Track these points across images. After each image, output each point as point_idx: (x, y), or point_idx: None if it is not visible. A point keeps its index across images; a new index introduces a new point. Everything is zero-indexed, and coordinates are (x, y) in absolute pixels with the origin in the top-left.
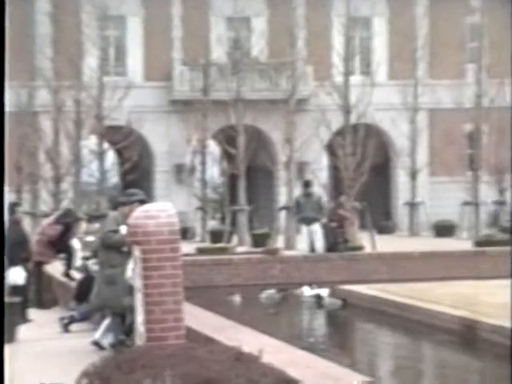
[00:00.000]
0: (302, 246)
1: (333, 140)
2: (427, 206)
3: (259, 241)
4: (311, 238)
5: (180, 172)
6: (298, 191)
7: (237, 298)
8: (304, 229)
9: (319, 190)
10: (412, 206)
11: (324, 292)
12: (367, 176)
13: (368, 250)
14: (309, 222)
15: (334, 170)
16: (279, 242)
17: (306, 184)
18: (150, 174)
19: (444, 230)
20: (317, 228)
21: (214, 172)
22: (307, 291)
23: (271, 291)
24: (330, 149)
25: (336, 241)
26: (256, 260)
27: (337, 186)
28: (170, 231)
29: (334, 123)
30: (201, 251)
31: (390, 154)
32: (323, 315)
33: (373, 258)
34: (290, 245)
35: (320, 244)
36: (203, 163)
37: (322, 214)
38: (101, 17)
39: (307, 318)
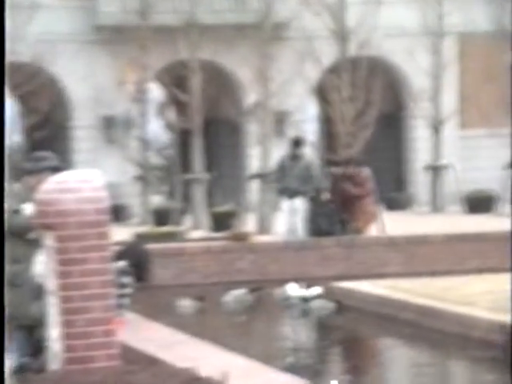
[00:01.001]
0: (281, 229)
1: (324, 80)
2: (456, 170)
3: (222, 222)
4: (296, 216)
5: (110, 127)
6: (277, 152)
7: (190, 303)
8: (285, 204)
9: (307, 152)
10: (435, 170)
11: (313, 292)
12: (372, 130)
13: (374, 232)
14: (292, 194)
15: (326, 122)
16: (250, 223)
17: (296, 142)
18: (66, 131)
19: (480, 203)
20: (299, 204)
21: (157, 127)
22: (291, 290)
23: (239, 292)
24: (320, 92)
25: (331, 225)
26: (218, 249)
27: (329, 144)
28: (97, 210)
29: (324, 56)
30: (141, 237)
31: (404, 99)
32: (311, 323)
33: (380, 244)
34: (264, 227)
35: (301, 226)
36: (143, 115)
37: (312, 185)
38: None
39: (289, 328)
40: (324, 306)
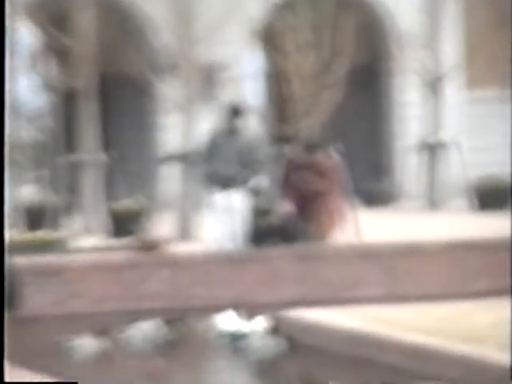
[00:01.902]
0: (211, 234)
1: (272, 19)
2: (461, 148)
3: (125, 223)
4: (232, 215)
5: None
6: (203, 123)
7: (86, 341)
8: (216, 198)
9: (249, 124)
10: (431, 150)
11: (255, 324)
12: (342, 90)
13: (343, 239)
14: (226, 184)
15: (275, 79)
16: (165, 225)
17: (234, 111)
18: None
19: (493, 196)
20: (237, 198)
21: (29, 86)
22: (224, 322)
23: (150, 324)
24: (267, 37)
25: (283, 229)
26: (119, 263)
27: (280, 111)
28: None
29: None
30: (6, 247)
31: (386, 46)
32: (252, 370)
33: (352, 256)
34: (186, 231)
35: (239, 229)
36: (8, 70)
37: (254, 171)
38: None
39: (220, 377)
40: (270, 345)
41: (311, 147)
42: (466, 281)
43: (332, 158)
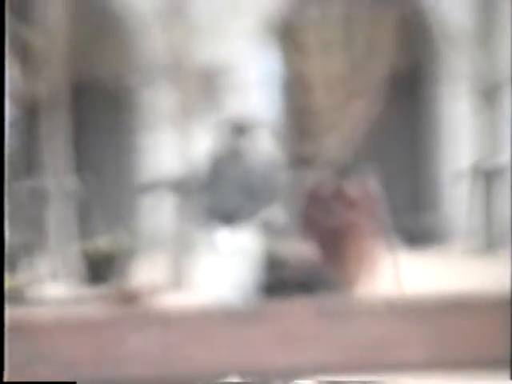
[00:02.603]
0: (212, 282)
1: (289, 13)
2: None
3: (101, 268)
4: (238, 258)
5: None
6: (201, 142)
7: None
8: (219, 237)
9: (264, 144)
10: (487, 176)
11: None
12: (377, 101)
13: (378, 290)
14: (230, 218)
15: (293, 86)
16: (153, 270)
17: (240, 127)
18: None
19: None
20: (244, 237)
21: None
22: None
23: None
24: (283, 34)
25: (301, 277)
26: (92, 319)
27: (300, 128)
28: None
29: None
30: None
31: (431, 46)
32: None
33: (390, 312)
34: (179, 278)
35: (248, 275)
36: None
37: (264, 203)
38: None
39: None
40: None
41: (338, 172)
42: None
43: (365, 185)
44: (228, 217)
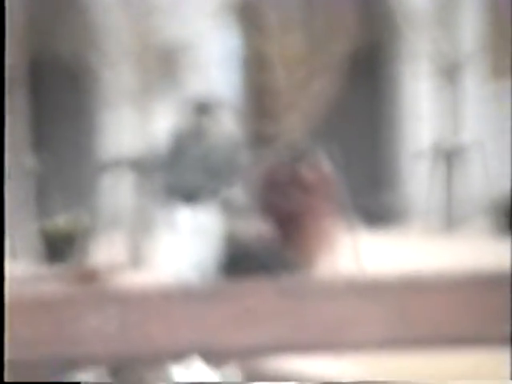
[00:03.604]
0: (171, 261)
1: None
2: (485, 154)
3: (59, 246)
4: (197, 238)
5: None
6: (161, 121)
7: None
8: (179, 215)
9: (225, 123)
10: (447, 155)
11: (223, 375)
12: (337, 80)
13: (335, 268)
14: (191, 197)
15: (253, 64)
16: (111, 248)
17: (202, 107)
18: None
19: None
20: (205, 217)
21: None
22: (183, 373)
23: (88, 375)
24: (244, 11)
25: (261, 257)
26: (50, 297)
27: (259, 106)
28: None
29: None
30: None
31: (392, 25)
32: None
33: (349, 290)
34: (138, 256)
35: (208, 254)
36: None
37: (223, 180)
38: None
39: None
40: None
41: (295, 154)
42: (490, 323)
43: (321, 168)
44: (189, 196)
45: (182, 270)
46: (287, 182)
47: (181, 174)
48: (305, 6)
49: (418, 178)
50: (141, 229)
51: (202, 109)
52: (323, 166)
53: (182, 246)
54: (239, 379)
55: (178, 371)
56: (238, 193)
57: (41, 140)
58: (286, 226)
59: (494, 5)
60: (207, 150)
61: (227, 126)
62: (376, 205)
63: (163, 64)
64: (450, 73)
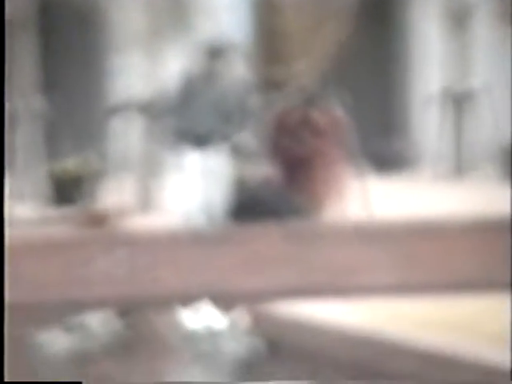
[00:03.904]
0: (180, 204)
1: None
2: (495, 99)
3: (68, 189)
4: (207, 181)
5: None
6: (172, 63)
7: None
8: (189, 159)
9: (236, 67)
10: (457, 100)
11: (228, 320)
12: (347, 24)
13: (345, 213)
14: (201, 141)
15: (263, 8)
16: (121, 191)
17: (213, 50)
18: None
19: None
20: (216, 161)
21: None
22: (192, 316)
23: (98, 318)
24: None
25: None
26: (59, 239)
27: (269, 50)
28: None
29: None
30: None
31: None
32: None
33: (357, 236)
34: (147, 200)
35: (218, 198)
36: None
37: (237, 125)
38: None
39: None
40: (247, 347)
41: (307, 98)
42: (497, 269)
43: (333, 112)
44: (199, 139)
45: (190, 214)
46: (298, 126)
47: (191, 118)
48: None
49: (427, 124)
50: (150, 172)
51: (214, 52)
52: (334, 110)
53: (191, 189)
54: (247, 323)
55: (187, 315)
56: (248, 137)
57: (50, 82)
58: (295, 171)
59: None
60: (218, 94)
61: (238, 69)
62: (386, 150)
63: (173, 7)
64: (460, 16)
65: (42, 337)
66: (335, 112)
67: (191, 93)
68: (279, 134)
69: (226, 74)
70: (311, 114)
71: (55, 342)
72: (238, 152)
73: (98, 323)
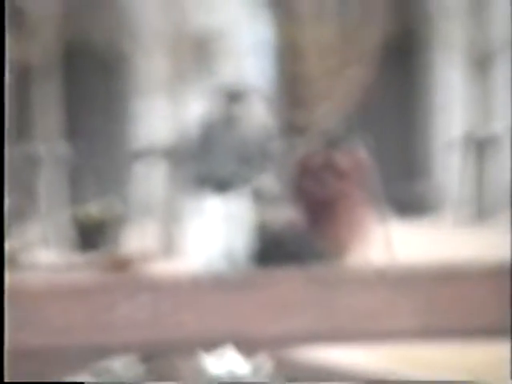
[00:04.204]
0: (201, 249)
1: None
2: None
3: (92, 234)
4: (229, 226)
5: None
6: (194, 109)
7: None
8: (210, 203)
9: (257, 111)
10: (479, 145)
11: (252, 366)
12: (369, 69)
13: (368, 258)
14: (222, 185)
15: (286, 53)
16: (145, 237)
17: (233, 95)
18: None
19: None
20: (237, 205)
21: None
22: (215, 362)
23: (121, 363)
24: (276, 1)
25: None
26: (83, 285)
27: (292, 96)
28: None
29: None
30: None
31: (423, 12)
32: None
33: (380, 281)
34: (168, 245)
35: (236, 244)
36: None
37: (258, 170)
38: None
39: None
40: None
41: (329, 142)
42: None
43: (356, 155)
44: (221, 183)
45: (212, 259)
46: (321, 168)
47: (212, 162)
48: None
49: (450, 168)
50: (173, 217)
51: (234, 97)
52: (358, 152)
53: (213, 234)
54: (270, 368)
55: (210, 360)
56: (269, 181)
57: (73, 128)
58: (318, 214)
59: None
60: (239, 138)
61: (259, 113)
62: (409, 194)
63: (196, 52)
64: (481, 62)
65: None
66: (358, 154)
67: (211, 137)
68: (302, 177)
69: (247, 118)
70: (334, 157)
71: None
72: (259, 196)
73: (123, 368)
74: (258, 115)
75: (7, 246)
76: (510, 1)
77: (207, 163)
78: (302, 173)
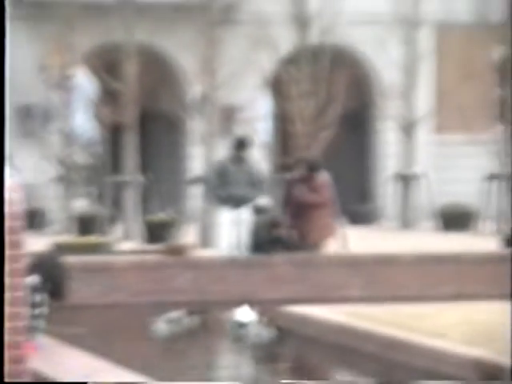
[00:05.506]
0: (225, 242)
1: (280, 71)
2: (430, 180)
3: (158, 232)
4: (240, 228)
5: (28, 118)
6: (222, 153)
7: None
8: (226, 215)
9: (257, 154)
10: (405, 180)
11: (253, 316)
12: (334, 131)
13: (332, 249)
14: (237, 202)
15: (281, 120)
16: (190, 234)
17: (240, 144)
18: None
19: (456, 219)
20: (245, 213)
21: (85, 120)
22: (235, 314)
23: (175, 314)
24: (276, 86)
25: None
26: (151, 264)
27: (285, 145)
28: (11, 215)
29: (281, 44)
30: (61, 248)
31: (371, 96)
32: (255, 353)
33: (340, 264)
34: (206, 239)
35: (245, 239)
36: (67, 105)
37: (258, 192)
38: None
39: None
40: (261, 334)
41: (309, 165)
42: (433, 286)
43: (324, 177)
44: (237, 202)
45: (231, 248)
46: (303, 183)
47: (231, 188)
48: (314, 82)
49: (387, 194)
50: (208, 222)
51: (241, 144)
52: (326, 177)
53: (231, 233)
54: (267, 318)
55: (238, 313)
56: (265, 199)
57: (148, 164)
58: (302, 217)
59: (440, 81)
60: (247, 171)
61: (261, 158)
62: (360, 210)
63: (225, 117)
64: (408, 128)
65: (155, 325)
66: (326, 177)
67: (228, 171)
68: (292, 190)
69: (250, 159)
70: (312, 176)
71: (164, 328)
72: (259, 208)
73: (177, 318)
74: (258, 157)
75: (105, 238)
76: (430, 84)
77: (228, 188)
78: (291, 185)
